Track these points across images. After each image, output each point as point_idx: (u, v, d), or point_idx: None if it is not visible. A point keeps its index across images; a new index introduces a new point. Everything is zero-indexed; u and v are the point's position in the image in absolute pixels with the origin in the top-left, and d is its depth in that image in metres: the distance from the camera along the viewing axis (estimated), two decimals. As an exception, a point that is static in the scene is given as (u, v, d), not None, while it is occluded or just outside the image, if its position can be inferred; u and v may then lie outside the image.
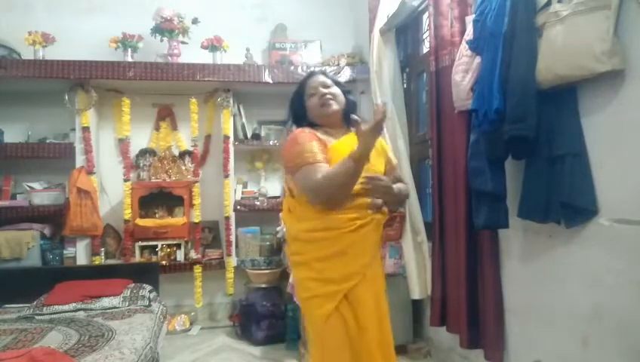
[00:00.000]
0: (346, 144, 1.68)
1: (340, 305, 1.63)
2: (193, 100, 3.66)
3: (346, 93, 1.84)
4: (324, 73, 1.88)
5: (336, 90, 1.81)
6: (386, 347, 1.70)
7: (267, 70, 3.64)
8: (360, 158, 1.55)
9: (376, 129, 1.53)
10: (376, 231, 1.75)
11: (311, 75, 1.87)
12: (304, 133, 1.72)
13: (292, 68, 3.70)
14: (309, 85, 1.82)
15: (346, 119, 1.81)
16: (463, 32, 2.26)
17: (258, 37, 3.99)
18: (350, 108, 1.83)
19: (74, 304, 2.77)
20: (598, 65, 1.48)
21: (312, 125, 1.80)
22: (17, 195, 3.51)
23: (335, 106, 1.78)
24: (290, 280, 2.81)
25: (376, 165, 1.75)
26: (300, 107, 1.84)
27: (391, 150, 1.99)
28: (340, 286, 1.63)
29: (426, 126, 3.09)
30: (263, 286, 3.48)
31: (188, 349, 3.20)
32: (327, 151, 1.69)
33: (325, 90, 1.78)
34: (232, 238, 3.67)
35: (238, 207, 3.71)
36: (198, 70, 3.54)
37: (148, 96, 3.80)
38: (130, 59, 3.57)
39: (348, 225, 1.64)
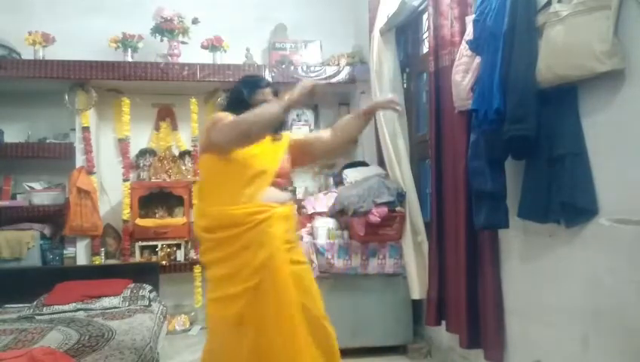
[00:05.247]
0: None
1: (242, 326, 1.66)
2: (193, 100, 3.66)
3: None
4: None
5: None
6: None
7: (267, 70, 3.64)
8: (283, 101, 1.65)
9: (304, 90, 1.67)
10: (284, 223, 1.76)
11: (268, 83, 1.96)
12: (223, 113, 1.84)
13: (292, 68, 3.70)
14: (264, 92, 1.90)
15: None
16: (463, 32, 2.26)
17: (258, 37, 3.99)
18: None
19: (74, 304, 2.77)
20: (598, 65, 1.48)
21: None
22: (17, 195, 3.51)
23: None
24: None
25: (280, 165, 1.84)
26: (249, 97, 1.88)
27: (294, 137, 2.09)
28: (246, 283, 1.67)
29: (426, 126, 3.09)
30: (263, 286, 3.47)
31: (188, 349, 3.19)
32: None
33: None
34: (232, 238, 3.67)
35: (238, 207, 3.70)
36: (198, 70, 3.54)
37: (148, 96, 3.80)
38: (130, 59, 3.57)
39: (248, 220, 1.68)
